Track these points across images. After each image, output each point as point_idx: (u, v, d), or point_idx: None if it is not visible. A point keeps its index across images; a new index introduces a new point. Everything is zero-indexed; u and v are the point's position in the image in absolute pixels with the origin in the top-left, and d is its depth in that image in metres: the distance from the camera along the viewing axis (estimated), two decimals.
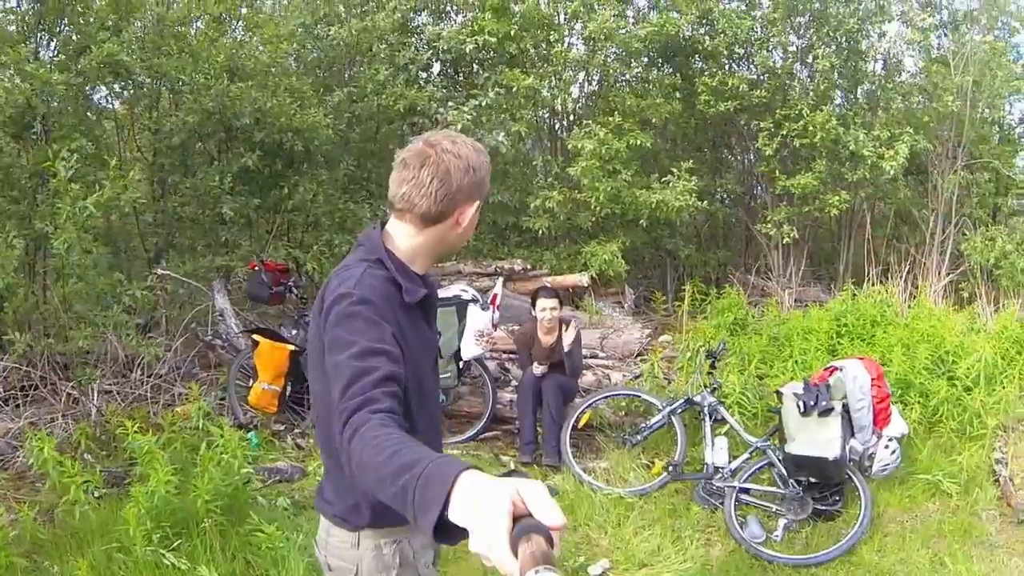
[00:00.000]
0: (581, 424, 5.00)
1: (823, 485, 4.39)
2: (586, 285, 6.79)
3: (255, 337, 4.97)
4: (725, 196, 8.97)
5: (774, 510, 4.39)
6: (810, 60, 7.97)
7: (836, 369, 4.76)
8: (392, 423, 1.28)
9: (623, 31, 7.62)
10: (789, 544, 4.21)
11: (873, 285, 7.17)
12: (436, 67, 8.14)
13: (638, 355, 6.39)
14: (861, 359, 4.91)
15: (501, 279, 5.90)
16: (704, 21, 8.06)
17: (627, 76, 8.10)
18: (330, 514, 1.70)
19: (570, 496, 4.44)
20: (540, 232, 7.64)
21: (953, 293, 7.62)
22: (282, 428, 5.20)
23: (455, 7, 8.52)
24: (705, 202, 7.74)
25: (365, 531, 1.66)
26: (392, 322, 1.51)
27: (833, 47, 7.72)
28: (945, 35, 8.16)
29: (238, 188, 6.45)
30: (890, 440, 4.73)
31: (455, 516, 1.00)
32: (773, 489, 4.46)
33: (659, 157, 8.20)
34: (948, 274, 7.68)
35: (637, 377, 5.86)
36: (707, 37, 8.00)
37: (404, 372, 1.44)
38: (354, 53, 7.66)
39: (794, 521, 4.32)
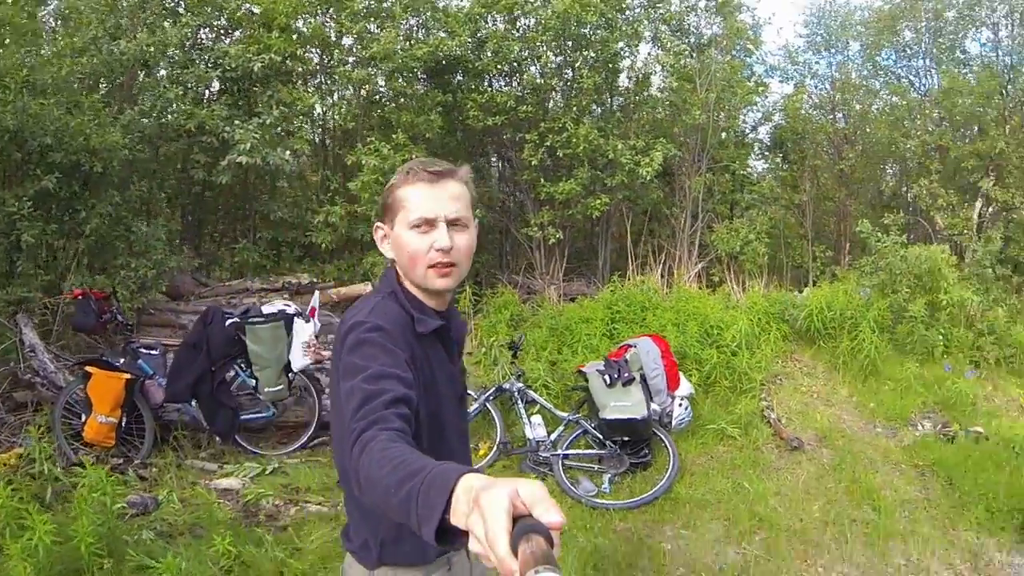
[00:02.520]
0: None
1: (635, 442, 5.99)
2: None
3: (88, 368, 5.44)
4: (490, 203, 10.47)
5: (596, 469, 5.79)
6: (569, 76, 9.89)
7: (630, 346, 6.35)
8: (400, 440, 1.47)
9: (401, 51, 8.98)
10: (617, 493, 5.73)
11: (633, 277, 9.00)
12: (216, 85, 9.07)
13: None
14: (650, 336, 6.52)
15: (317, 292, 6.90)
16: (474, 42, 9.71)
17: (405, 94, 9.32)
18: (348, 549, 2.02)
19: None
20: (323, 246, 8.71)
21: (705, 278, 9.72)
22: (121, 461, 5.65)
23: (234, 23, 9.44)
24: (479, 210, 9.13)
25: (380, 569, 1.95)
26: (405, 349, 1.77)
27: (591, 66, 9.63)
28: (692, 56, 10.57)
29: (35, 213, 6.71)
30: (682, 399, 6.46)
31: (456, 518, 1.12)
32: (592, 451, 5.95)
33: None
34: (699, 262, 9.80)
35: None
36: (476, 56, 9.67)
37: (415, 397, 1.67)
38: (137, 68, 8.32)
39: (616, 474, 5.85)
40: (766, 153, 13.41)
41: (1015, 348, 8.90)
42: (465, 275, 1.95)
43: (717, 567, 4.87)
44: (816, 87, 13.38)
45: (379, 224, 1.97)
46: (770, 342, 8.21)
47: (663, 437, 6.12)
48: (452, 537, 1.16)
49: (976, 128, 11.86)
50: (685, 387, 6.63)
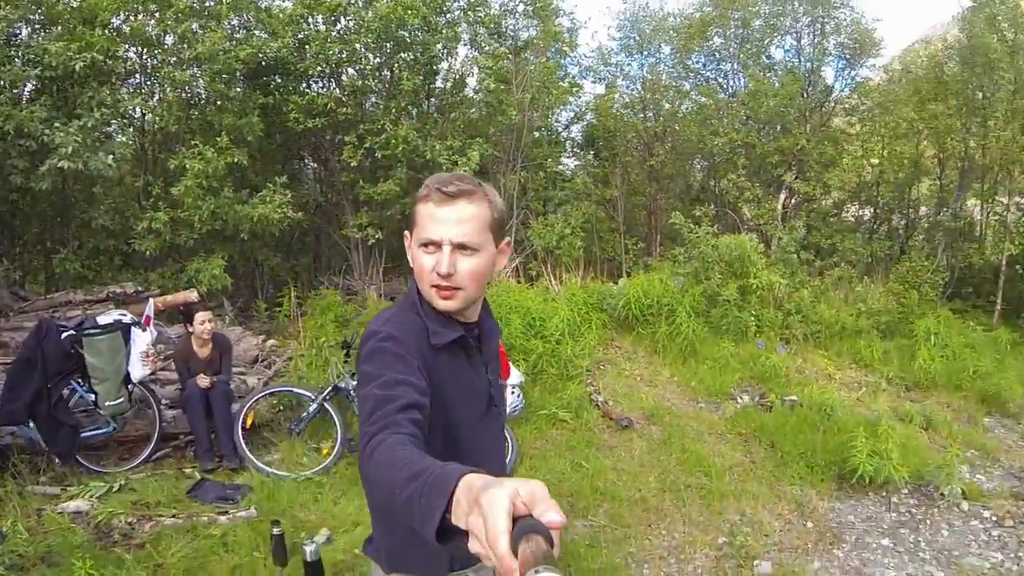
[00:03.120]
0: (248, 424, 5.99)
1: None
2: (196, 301, 7.68)
3: None
4: (307, 205, 10.45)
5: None
6: (388, 77, 10.19)
7: None
8: (410, 443, 1.52)
9: (223, 52, 8.93)
10: None
11: None
12: (31, 85, 8.65)
13: (261, 360, 7.59)
14: None
15: (151, 301, 6.87)
16: (296, 43, 9.80)
17: (227, 96, 9.24)
18: (367, 554, 2.17)
19: (268, 487, 5.74)
20: (148, 253, 8.63)
21: (523, 273, 10.08)
22: None
23: (53, 18, 8.94)
24: (301, 213, 9.11)
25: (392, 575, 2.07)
26: (418, 358, 1.84)
27: (411, 68, 9.96)
28: (509, 58, 11.10)
29: None
30: (513, 387, 6.71)
31: (456, 518, 1.15)
32: None
33: (247, 173, 9.36)
34: (516, 258, 10.14)
35: (280, 376, 7.07)
36: (298, 58, 9.79)
37: (428, 403, 1.75)
38: None
39: None
40: (578, 151, 14.18)
41: (820, 324, 10.00)
42: (475, 297, 1.98)
43: (569, 539, 5.15)
44: (628, 87, 14.47)
45: (407, 233, 2.02)
46: (592, 331, 8.76)
47: None
48: (453, 537, 1.18)
49: (779, 127, 13.14)
50: (515, 376, 6.95)
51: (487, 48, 10.73)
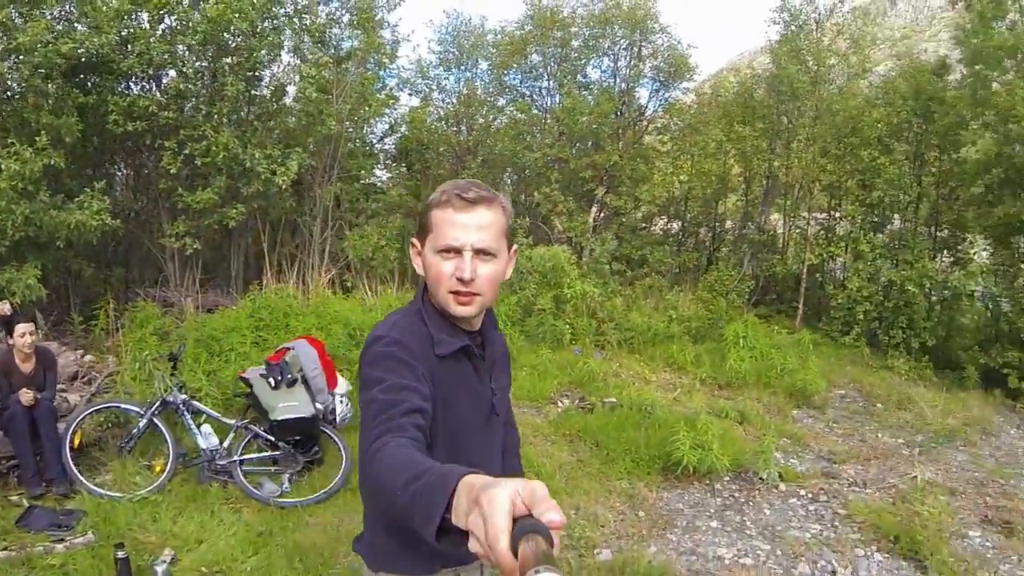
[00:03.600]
0: (76, 444, 5.71)
1: (306, 440, 6.13)
2: (9, 313, 7.16)
3: None
4: (123, 213, 10.02)
5: (274, 470, 5.91)
6: (211, 82, 10.10)
7: (288, 349, 6.54)
8: (412, 447, 1.57)
9: (42, 46, 8.51)
10: (300, 491, 6.05)
11: (269, 285, 9.15)
12: None
13: (81, 377, 7.20)
14: (306, 338, 6.78)
15: None
16: (119, 41, 9.50)
17: (44, 92, 8.79)
18: (357, 551, 2.23)
19: (103, 510, 5.64)
20: None
21: (339, 284, 10.06)
22: None
23: None
24: (119, 220, 8.68)
25: (380, 574, 2.14)
26: (423, 364, 1.90)
27: (235, 73, 9.87)
28: (331, 68, 11.27)
29: None
30: (342, 396, 6.71)
31: (456, 518, 1.18)
32: (266, 454, 6.10)
33: (62, 176, 8.87)
34: (331, 269, 10.13)
35: (103, 392, 6.73)
36: (121, 56, 9.50)
37: (431, 409, 1.82)
38: None
39: (294, 473, 6.05)
40: (391, 163, 14.30)
41: (632, 331, 10.68)
42: (490, 303, 2.04)
43: None
44: (443, 101, 14.95)
45: (414, 240, 2.05)
46: None
47: (331, 434, 6.55)
48: (454, 537, 1.19)
49: (592, 143, 14.00)
50: (343, 385, 7.06)
51: (311, 57, 10.78)
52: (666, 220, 16.40)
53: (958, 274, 13.11)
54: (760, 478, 7.03)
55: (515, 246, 2.08)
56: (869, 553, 5.81)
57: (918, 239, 13.67)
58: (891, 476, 7.50)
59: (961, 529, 6.39)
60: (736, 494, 6.80)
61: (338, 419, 6.85)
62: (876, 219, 14.30)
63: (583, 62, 14.52)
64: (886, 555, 5.79)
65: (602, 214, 14.03)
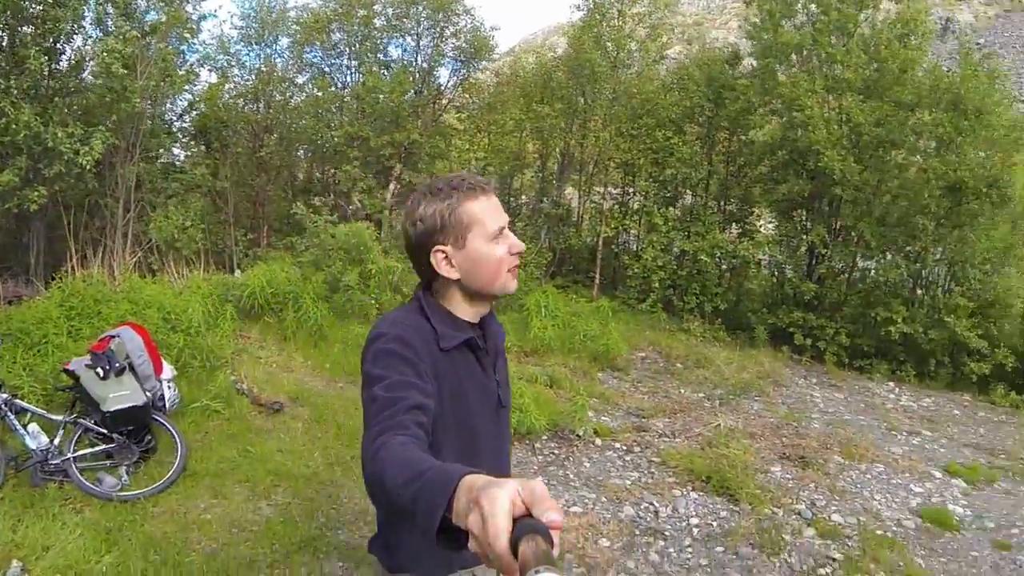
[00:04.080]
0: None
1: (138, 430, 6.20)
2: None
3: None
4: None
5: (110, 464, 5.99)
6: (8, 53, 9.64)
7: (113, 336, 6.54)
8: (414, 445, 1.58)
9: None
10: (139, 483, 6.11)
11: (73, 272, 8.91)
12: None
13: None
14: (129, 324, 6.80)
15: None
16: None
17: None
18: (371, 551, 2.24)
19: None
20: None
21: (146, 267, 9.93)
22: None
23: None
24: None
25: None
26: (427, 360, 1.92)
27: (38, 45, 9.37)
28: (137, 42, 10.77)
29: None
30: (168, 382, 6.76)
31: (457, 518, 1.19)
32: (100, 448, 6.11)
33: None
34: (136, 252, 9.98)
35: None
36: None
37: (433, 407, 1.84)
38: None
39: (131, 464, 6.08)
40: (190, 141, 14.02)
41: None
42: None
43: (263, 520, 5.48)
44: (243, 78, 14.65)
45: (440, 247, 2.03)
46: (226, 320, 8.90)
47: (163, 421, 6.63)
48: (454, 537, 1.21)
49: (390, 120, 14.05)
50: (168, 370, 7.09)
51: (115, 30, 10.25)
52: None
53: (746, 244, 14.45)
54: (577, 435, 7.71)
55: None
56: (685, 493, 6.66)
57: (708, 213, 15.04)
58: (696, 426, 8.49)
59: (763, 466, 7.45)
60: (556, 451, 7.43)
61: (168, 405, 6.88)
62: (669, 194, 15.53)
63: (385, 41, 14.71)
64: (701, 493, 6.66)
65: (399, 190, 14.19)
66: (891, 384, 12.32)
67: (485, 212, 2.00)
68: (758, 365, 11.84)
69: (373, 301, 10.37)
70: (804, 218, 14.48)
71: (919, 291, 13.76)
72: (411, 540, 2.09)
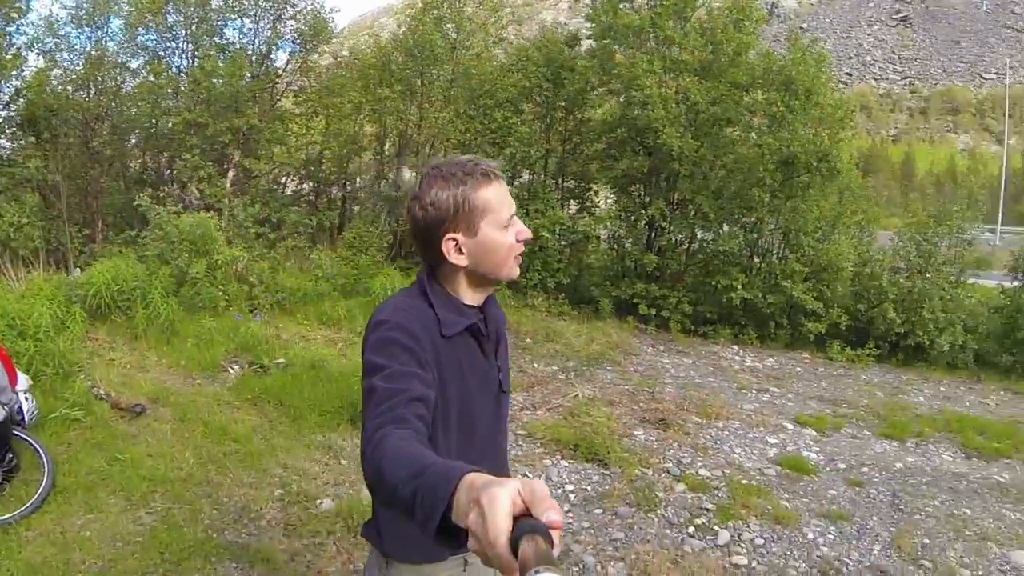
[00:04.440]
0: None
1: None
2: None
3: None
4: None
5: None
6: None
7: None
8: (414, 438, 1.57)
9: None
10: (7, 506, 5.84)
11: None
12: None
13: None
14: None
15: None
16: None
17: None
18: (365, 536, 2.26)
19: None
20: None
21: None
22: None
23: None
24: None
25: (390, 560, 2.18)
26: (428, 348, 1.92)
27: None
28: None
29: None
30: (25, 393, 6.46)
31: (457, 517, 1.19)
32: None
33: None
34: None
35: None
36: None
37: (434, 397, 1.83)
38: None
39: None
40: (17, 131, 13.09)
41: (283, 292, 10.89)
42: None
43: (146, 530, 5.38)
44: (73, 62, 13.85)
45: (451, 235, 2.02)
46: (76, 323, 8.57)
47: (24, 436, 6.27)
48: (455, 535, 1.21)
49: (227, 106, 13.67)
50: (23, 380, 6.76)
51: None
52: (298, 181, 16.69)
53: (587, 219, 15.05)
54: None
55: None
56: (556, 462, 6.94)
57: (547, 191, 15.41)
58: (555, 398, 8.80)
59: (626, 431, 7.84)
60: None
61: (27, 418, 6.56)
62: (508, 173, 15.63)
63: (223, 23, 14.28)
64: (571, 460, 6.96)
65: (238, 177, 13.97)
66: (735, 347, 13.09)
67: (498, 200, 2.01)
68: (606, 336, 12.32)
69: (221, 292, 10.17)
70: (643, 193, 15.00)
71: (756, 259, 14.54)
72: (404, 527, 2.05)
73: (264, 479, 6.31)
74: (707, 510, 6.11)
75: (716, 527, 5.86)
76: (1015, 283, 13.89)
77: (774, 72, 13.43)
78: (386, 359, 1.84)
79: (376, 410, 1.70)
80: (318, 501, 5.95)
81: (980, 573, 5.52)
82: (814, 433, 8.48)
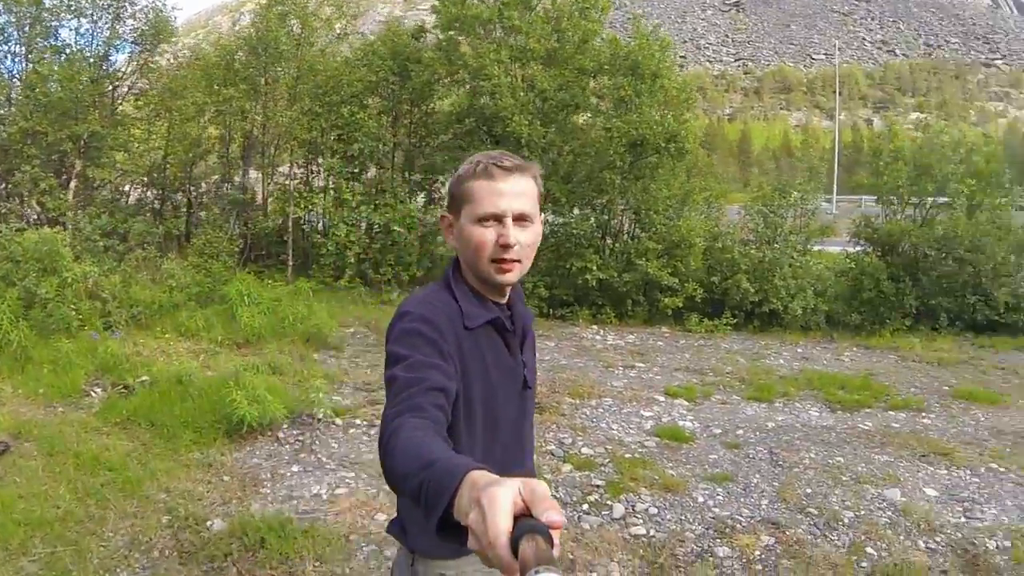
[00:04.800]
0: None
1: None
2: None
3: None
4: None
5: None
6: None
7: None
8: (429, 428, 1.58)
9: None
10: None
11: None
12: None
13: None
14: None
15: None
16: None
17: None
18: (391, 533, 2.22)
19: None
20: None
21: None
22: None
23: None
24: None
25: (415, 555, 2.13)
26: (451, 340, 1.91)
27: None
28: None
29: None
30: None
31: (458, 514, 1.19)
32: None
33: None
34: None
35: None
36: None
37: (455, 389, 1.83)
38: None
39: None
40: None
41: (138, 306, 10.39)
42: (527, 269, 2.06)
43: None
44: None
45: (445, 214, 2.07)
46: None
47: None
48: (456, 532, 1.21)
49: (61, 112, 12.97)
50: None
51: None
52: (141, 189, 16.05)
53: (437, 210, 14.99)
54: (316, 419, 7.64)
55: (543, 215, 2.11)
56: None
57: (395, 184, 15.34)
58: None
59: None
60: (300, 438, 7.31)
61: None
62: (356, 169, 15.57)
63: (57, 23, 13.58)
64: None
65: (82, 188, 13.30)
66: (595, 327, 13.35)
67: (484, 192, 1.95)
68: None
69: (74, 312, 9.63)
70: None
71: (609, 240, 14.87)
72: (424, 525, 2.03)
73: (148, 507, 5.94)
74: (597, 486, 6.18)
75: (609, 502, 5.94)
76: (857, 248, 14.79)
77: (621, 58, 13.77)
78: (408, 349, 1.83)
79: (395, 399, 1.69)
80: (208, 523, 5.65)
81: (861, 512, 5.84)
82: (686, 403, 8.71)
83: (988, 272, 13.64)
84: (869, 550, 5.34)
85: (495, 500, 1.08)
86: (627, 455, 6.88)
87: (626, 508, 5.82)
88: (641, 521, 5.64)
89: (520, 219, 1.95)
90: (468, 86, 14.41)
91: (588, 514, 5.73)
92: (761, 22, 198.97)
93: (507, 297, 2.12)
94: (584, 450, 6.98)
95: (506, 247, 1.94)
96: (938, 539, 5.62)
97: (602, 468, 6.56)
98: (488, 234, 1.95)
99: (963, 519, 5.94)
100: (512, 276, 2.00)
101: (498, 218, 1.94)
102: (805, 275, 13.78)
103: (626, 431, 7.62)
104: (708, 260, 14.37)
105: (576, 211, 14.63)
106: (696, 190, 14.94)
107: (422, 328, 1.87)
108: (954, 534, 5.67)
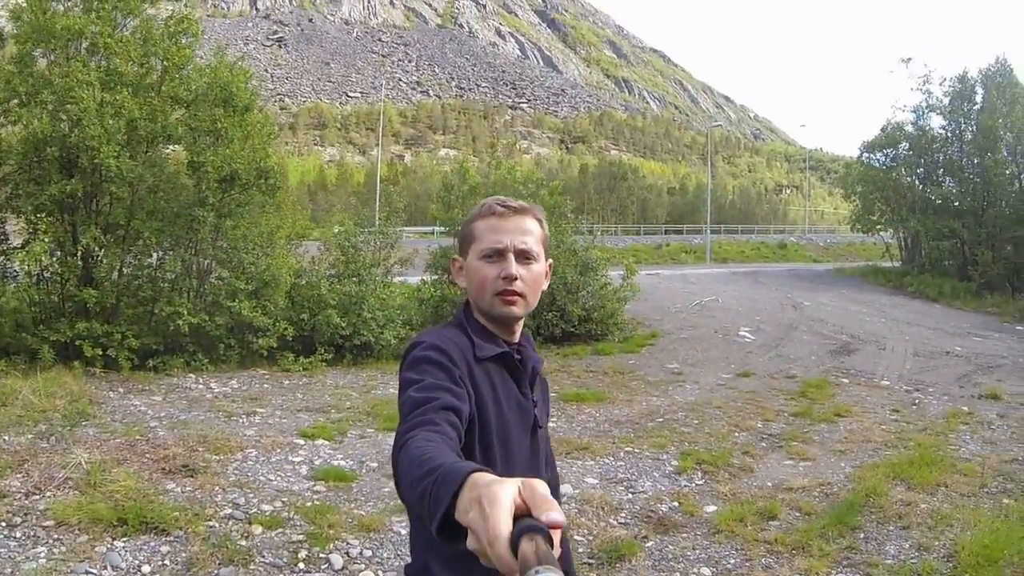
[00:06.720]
0: None
1: None
2: None
3: None
4: None
5: None
6: None
7: None
8: (439, 439, 1.57)
9: None
10: None
11: None
12: None
13: None
14: None
15: None
16: None
17: None
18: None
19: None
20: None
21: None
22: None
23: None
24: None
25: None
26: (463, 369, 1.93)
27: None
28: None
29: None
30: None
31: (460, 515, 1.17)
32: None
33: None
34: None
35: None
36: None
37: (469, 413, 1.83)
38: None
39: None
40: None
41: None
42: (532, 308, 2.13)
43: None
44: None
45: (455, 257, 2.16)
46: None
47: None
48: (457, 534, 1.20)
49: None
50: None
51: None
52: None
53: (21, 254, 12.97)
54: None
55: (550, 261, 2.21)
56: (112, 545, 5.78)
57: None
58: (56, 471, 7.04)
59: (160, 487, 6.97)
60: None
61: None
62: None
63: None
64: (127, 538, 5.87)
65: None
66: (192, 376, 12.62)
67: (488, 230, 2.07)
68: (65, 388, 10.68)
69: None
70: (74, 220, 13.21)
71: (196, 281, 14.17)
72: (450, 573, 1.94)
73: None
74: (300, 542, 5.85)
75: (322, 555, 5.70)
76: (434, 277, 15.77)
77: (219, 88, 13.21)
78: (420, 374, 1.86)
79: (407, 418, 1.71)
80: None
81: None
82: (327, 443, 8.62)
83: (561, 290, 15.32)
84: (578, 538, 5.87)
85: (495, 499, 1.09)
86: (307, 503, 6.65)
87: (343, 557, 5.67)
88: (365, 565, 5.56)
89: (523, 256, 2.05)
90: (50, 108, 12.44)
91: (310, 573, 5.48)
92: (302, 59, 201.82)
93: (517, 337, 2.19)
94: (263, 507, 6.57)
95: (508, 279, 2.03)
96: (623, 515, 6.41)
97: (291, 522, 6.25)
98: (491, 269, 2.05)
99: (630, 495, 6.84)
100: (517, 309, 2.07)
101: (501, 253, 2.04)
102: (388, 306, 14.31)
103: (288, 480, 7.35)
104: (295, 297, 14.37)
105: (163, 252, 13.72)
106: (286, 225, 14.85)
107: (434, 355, 1.92)
108: (632, 507, 6.53)
